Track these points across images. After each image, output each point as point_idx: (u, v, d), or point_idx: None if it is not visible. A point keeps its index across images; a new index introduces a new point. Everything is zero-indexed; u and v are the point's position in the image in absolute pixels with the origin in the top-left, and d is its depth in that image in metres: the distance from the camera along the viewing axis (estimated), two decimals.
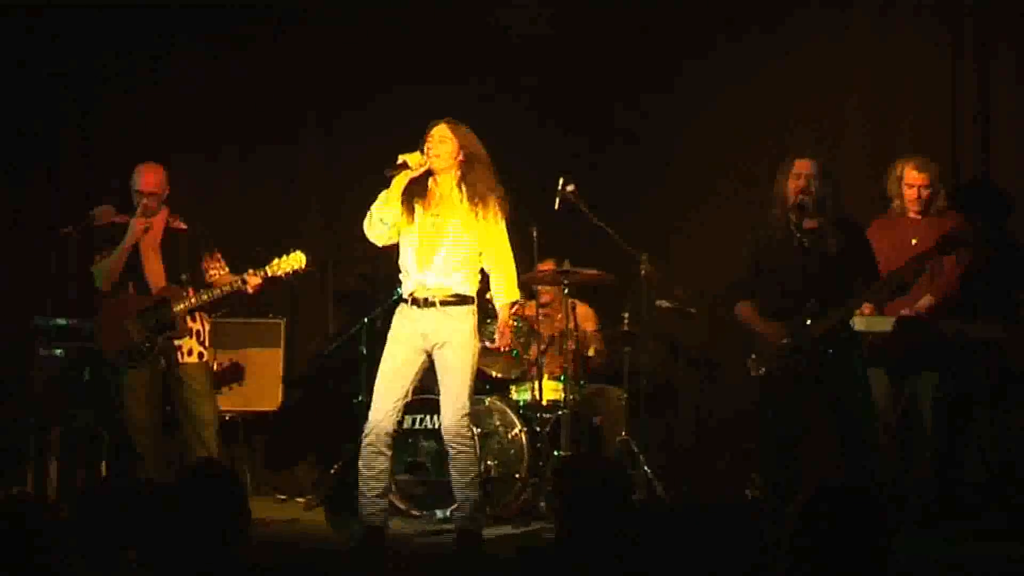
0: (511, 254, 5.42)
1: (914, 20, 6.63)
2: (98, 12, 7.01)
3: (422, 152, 5.28)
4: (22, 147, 7.05)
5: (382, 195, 5.28)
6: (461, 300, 5.30)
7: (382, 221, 5.28)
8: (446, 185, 5.32)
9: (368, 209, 5.33)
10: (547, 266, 6.41)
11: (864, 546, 2.58)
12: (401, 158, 5.23)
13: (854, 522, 2.59)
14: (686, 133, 6.92)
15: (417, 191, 5.29)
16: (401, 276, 5.40)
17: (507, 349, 5.64)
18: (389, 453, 5.33)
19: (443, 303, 5.27)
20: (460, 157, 5.29)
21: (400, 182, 5.24)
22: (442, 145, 5.26)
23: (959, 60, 6.50)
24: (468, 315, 5.31)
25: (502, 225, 5.36)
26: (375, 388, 5.36)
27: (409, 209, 5.28)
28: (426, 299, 5.28)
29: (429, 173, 5.31)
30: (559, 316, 6.51)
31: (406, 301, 5.35)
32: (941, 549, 5.22)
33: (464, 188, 5.30)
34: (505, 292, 5.42)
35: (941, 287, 5.81)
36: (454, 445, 5.30)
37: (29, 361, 6.28)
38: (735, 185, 6.54)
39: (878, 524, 2.61)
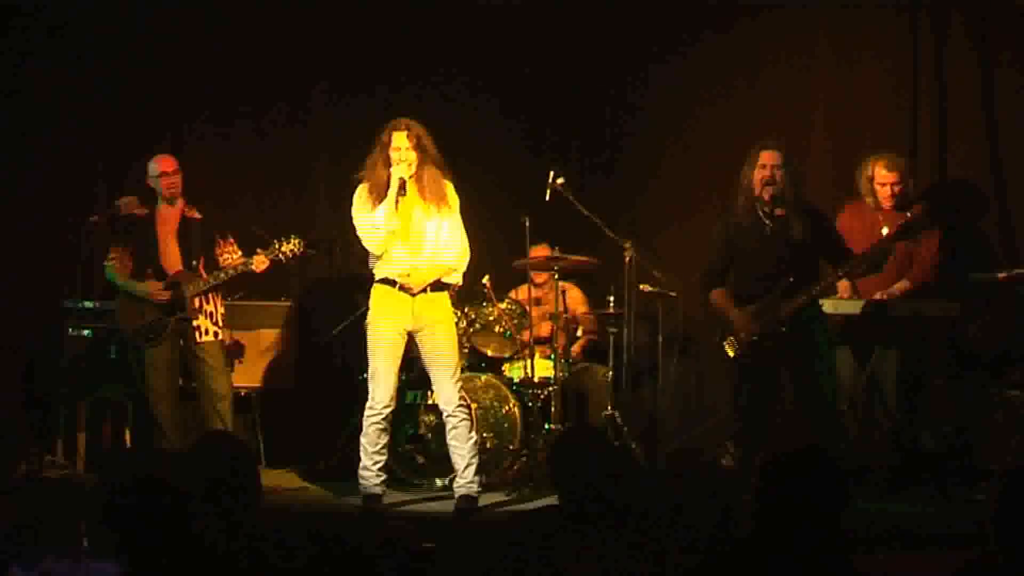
0: (464, 235, 5.75)
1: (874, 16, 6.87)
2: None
3: (386, 157, 5.60)
4: (51, 136, 7.17)
5: (384, 211, 5.57)
6: (444, 285, 5.70)
7: (391, 232, 5.62)
8: (410, 184, 5.64)
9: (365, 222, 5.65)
10: (540, 251, 6.59)
11: (819, 500, 2.76)
12: (398, 180, 5.56)
13: (809, 477, 2.78)
14: (666, 129, 7.18)
15: (382, 194, 5.61)
16: (379, 263, 5.70)
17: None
18: (391, 429, 5.72)
19: (432, 288, 5.66)
20: (418, 159, 5.63)
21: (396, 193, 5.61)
22: (409, 154, 5.59)
23: (917, 46, 6.73)
24: (448, 297, 5.74)
25: (456, 208, 5.71)
26: (375, 370, 5.64)
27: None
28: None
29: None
30: (550, 298, 6.73)
31: (391, 284, 5.66)
32: (899, 511, 5.49)
33: (420, 185, 5.63)
34: (455, 266, 5.73)
35: (917, 274, 6.09)
36: (456, 414, 5.64)
37: (60, 341, 6.57)
38: (710, 178, 6.72)
39: (831, 478, 2.79)
